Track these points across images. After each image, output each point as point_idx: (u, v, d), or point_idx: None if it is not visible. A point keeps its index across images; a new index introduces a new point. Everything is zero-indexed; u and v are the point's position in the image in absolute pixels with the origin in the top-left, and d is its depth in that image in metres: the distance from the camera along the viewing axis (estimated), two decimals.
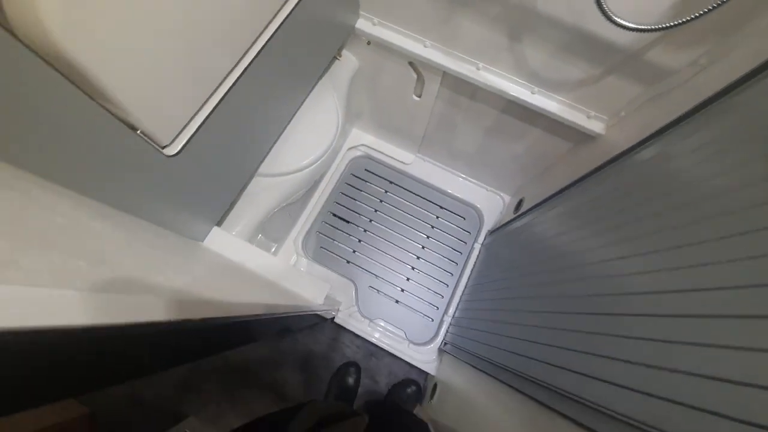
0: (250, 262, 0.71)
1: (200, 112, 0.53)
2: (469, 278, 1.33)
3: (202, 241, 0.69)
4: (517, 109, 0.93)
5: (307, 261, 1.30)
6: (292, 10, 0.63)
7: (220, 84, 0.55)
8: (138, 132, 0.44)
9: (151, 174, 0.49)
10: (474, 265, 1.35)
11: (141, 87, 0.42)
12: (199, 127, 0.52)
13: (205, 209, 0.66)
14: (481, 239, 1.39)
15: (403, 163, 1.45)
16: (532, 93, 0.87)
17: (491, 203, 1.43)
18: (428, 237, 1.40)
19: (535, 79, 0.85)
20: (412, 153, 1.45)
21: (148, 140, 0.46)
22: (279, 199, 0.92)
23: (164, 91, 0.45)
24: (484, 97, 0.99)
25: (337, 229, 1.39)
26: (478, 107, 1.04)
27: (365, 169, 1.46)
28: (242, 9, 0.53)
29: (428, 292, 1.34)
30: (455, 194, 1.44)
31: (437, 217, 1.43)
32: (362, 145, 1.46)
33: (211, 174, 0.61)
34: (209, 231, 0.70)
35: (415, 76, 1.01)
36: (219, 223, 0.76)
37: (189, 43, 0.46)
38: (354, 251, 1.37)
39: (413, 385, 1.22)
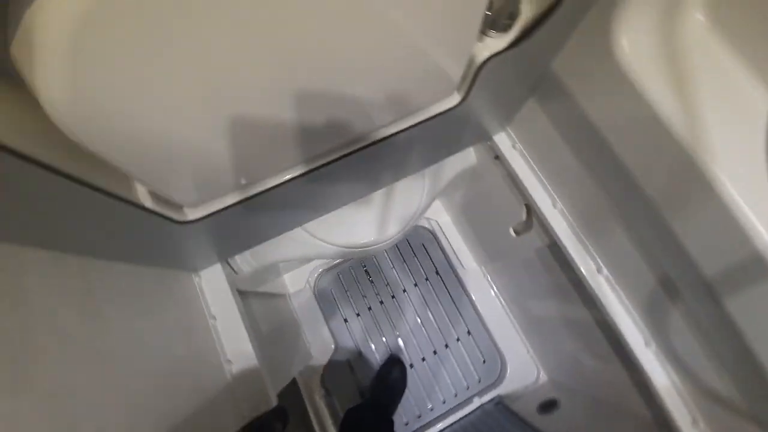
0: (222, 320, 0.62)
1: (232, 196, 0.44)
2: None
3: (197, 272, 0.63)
4: (613, 335, 0.70)
5: (310, 295, 1.22)
6: (427, 120, 0.50)
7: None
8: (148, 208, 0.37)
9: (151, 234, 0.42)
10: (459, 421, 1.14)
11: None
12: (229, 207, 0.44)
13: (211, 254, 0.59)
14: (485, 398, 1.16)
15: (462, 266, 1.27)
16: (646, 345, 0.64)
17: (523, 369, 1.18)
18: (435, 353, 1.22)
19: (659, 333, 0.62)
20: (478, 264, 1.25)
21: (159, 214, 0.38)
22: (308, 256, 0.83)
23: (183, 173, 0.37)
24: (581, 296, 0.77)
25: (358, 282, 1.27)
26: (571, 296, 0.82)
27: (422, 244, 1.31)
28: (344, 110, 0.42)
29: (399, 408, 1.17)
30: (492, 331, 1.22)
31: (457, 339, 1.23)
32: (435, 220, 1.31)
33: (226, 235, 0.53)
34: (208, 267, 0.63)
35: (524, 218, 0.83)
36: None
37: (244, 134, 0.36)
38: (357, 314, 1.24)
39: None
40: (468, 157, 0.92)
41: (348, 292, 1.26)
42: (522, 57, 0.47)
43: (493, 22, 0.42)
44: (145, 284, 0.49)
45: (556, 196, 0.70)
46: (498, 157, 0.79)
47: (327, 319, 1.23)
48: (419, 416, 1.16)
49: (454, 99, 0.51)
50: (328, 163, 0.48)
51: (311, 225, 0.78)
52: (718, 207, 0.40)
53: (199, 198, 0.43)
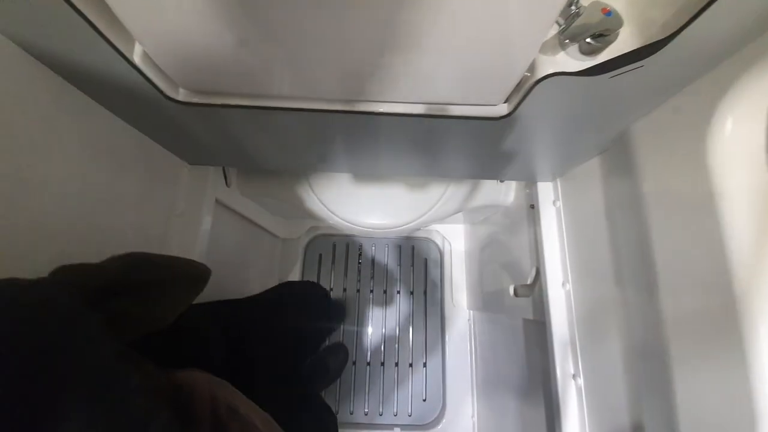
0: None
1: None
2: None
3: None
4: None
5: (298, 248, 1.21)
6: (462, 117, 0.44)
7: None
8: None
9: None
10: None
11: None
12: (226, 106, 0.41)
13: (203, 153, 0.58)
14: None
15: (453, 300, 1.18)
16: None
17: (458, 430, 1.08)
18: (382, 364, 1.16)
19: None
20: (468, 306, 1.15)
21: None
22: (303, 208, 0.81)
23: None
24: (545, 392, 0.66)
25: (347, 261, 1.24)
26: (536, 386, 0.71)
27: (425, 258, 1.24)
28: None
29: None
30: (448, 376, 1.13)
31: (410, 365, 1.15)
32: (450, 242, 1.23)
33: (220, 138, 0.52)
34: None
35: (530, 281, 0.72)
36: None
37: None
38: (331, 289, 1.22)
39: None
40: (506, 193, 0.83)
41: (334, 265, 1.23)
42: (596, 93, 0.38)
43: (575, 36, 0.34)
44: (129, 144, 0.50)
45: (570, 277, 0.60)
46: (533, 206, 0.70)
47: (303, 275, 1.22)
48: (337, 412, 1.11)
49: (500, 109, 0.44)
50: (346, 112, 0.44)
51: (317, 183, 0.75)
52: (739, 380, 0.29)
53: (197, 83, 0.42)
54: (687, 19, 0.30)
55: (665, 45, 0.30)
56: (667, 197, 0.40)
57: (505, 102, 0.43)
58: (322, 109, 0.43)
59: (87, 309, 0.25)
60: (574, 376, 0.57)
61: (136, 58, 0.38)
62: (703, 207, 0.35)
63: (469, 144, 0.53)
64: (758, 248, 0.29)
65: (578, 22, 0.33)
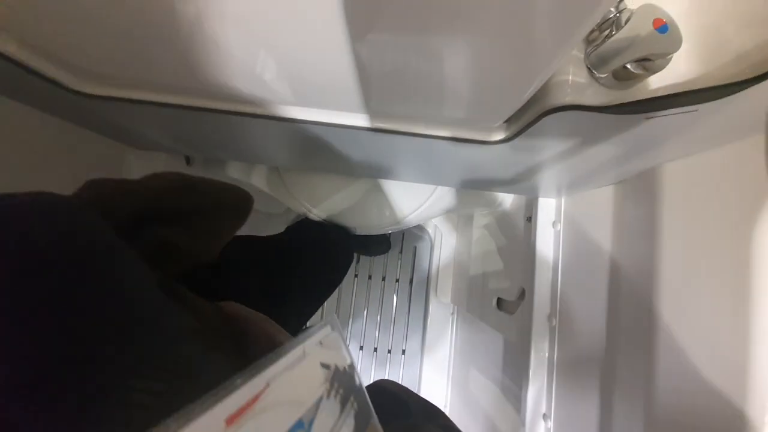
0: None
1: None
2: None
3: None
4: None
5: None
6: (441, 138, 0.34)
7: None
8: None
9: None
10: None
11: None
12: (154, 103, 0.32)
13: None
14: None
15: (437, 293, 1.14)
16: None
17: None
18: (361, 348, 1.15)
19: None
20: (453, 301, 1.11)
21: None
22: (274, 196, 0.72)
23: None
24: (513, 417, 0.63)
25: None
26: (507, 409, 0.68)
27: (415, 246, 1.18)
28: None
29: None
30: (424, 367, 1.13)
31: (389, 351, 1.15)
32: (442, 233, 1.15)
33: (156, 130, 0.43)
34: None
35: (513, 298, 0.67)
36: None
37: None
38: None
39: None
40: (503, 197, 0.74)
41: None
42: (624, 132, 0.28)
43: (609, 57, 0.24)
44: (50, 136, 0.41)
45: (558, 313, 0.53)
46: (530, 219, 0.61)
47: None
48: None
49: (495, 133, 0.34)
50: (307, 123, 0.34)
51: (290, 177, 0.66)
52: None
53: (99, 71, 0.32)
54: None
55: (740, 90, 0.21)
56: (689, 257, 0.32)
57: (505, 122, 0.34)
58: (257, 113, 0.34)
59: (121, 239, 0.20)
60: (544, 416, 0.53)
61: (9, 48, 0.28)
62: (734, 292, 0.27)
63: (460, 162, 0.44)
64: None
65: (618, 35, 0.23)
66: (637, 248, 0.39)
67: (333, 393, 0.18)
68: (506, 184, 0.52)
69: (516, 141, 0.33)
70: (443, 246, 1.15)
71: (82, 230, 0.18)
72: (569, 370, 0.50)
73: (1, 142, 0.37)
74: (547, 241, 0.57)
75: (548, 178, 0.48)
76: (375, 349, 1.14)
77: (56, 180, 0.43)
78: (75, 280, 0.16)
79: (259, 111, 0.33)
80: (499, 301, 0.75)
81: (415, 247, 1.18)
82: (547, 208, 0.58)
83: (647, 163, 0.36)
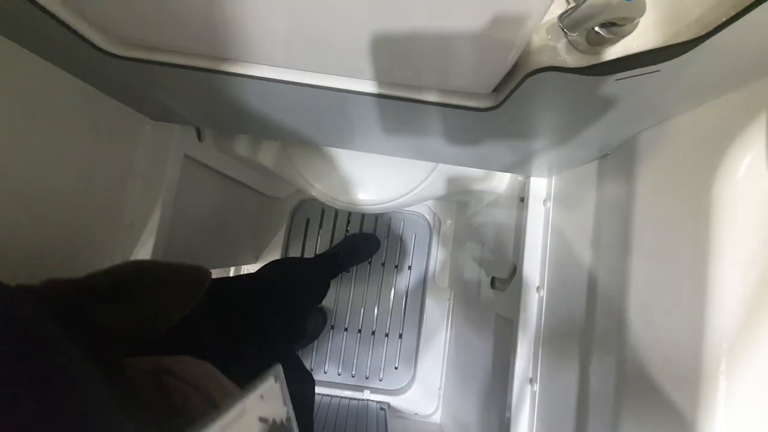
0: None
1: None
2: None
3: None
4: None
5: (285, 210, 1.18)
6: (444, 105, 0.37)
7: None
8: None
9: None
10: None
11: None
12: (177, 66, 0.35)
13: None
14: (375, 397, 1.14)
15: (435, 278, 1.17)
16: None
17: (425, 398, 1.13)
18: (359, 331, 1.18)
19: None
20: (450, 286, 1.14)
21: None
22: (281, 175, 0.76)
23: None
24: (503, 388, 0.66)
25: (335, 228, 1.21)
26: (497, 380, 0.71)
27: (414, 233, 1.21)
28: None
29: None
30: (421, 349, 1.16)
31: (386, 335, 1.18)
32: (440, 218, 1.19)
33: (176, 97, 0.46)
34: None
35: (506, 276, 0.70)
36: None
37: None
38: (315, 254, 1.21)
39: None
40: (499, 180, 0.77)
41: (321, 230, 1.21)
42: (598, 94, 0.31)
43: (583, 21, 0.27)
44: (72, 98, 0.44)
45: (546, 284, 0.56)
46: (523, 200, 0.64)
47: (288, 238, 1.20)
48: (311, 370, 1.16)
49: (488, 100, 0.37)
50: (311, 87, 0.38)
51: (296, 152, 0.70)
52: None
53: (134, 34, 0.35)
54: (731, 14, 0.23)
55: (693, 47, 0.24)
56: (660, 228, 0.35)
57: (494, 91, 0.37)
58: (282, 79, 0.37)
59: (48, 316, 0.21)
60: (531, 381, 0.56)
61: (51, 4, 0.31)
62: (696, 257, 0.30)
63: (455, 132, 0.47)
64: (743, 323, 0.25)
65: (590, 2, 0.26)
66: (614, 219, 0.42)
67: None
68: (500, 160, 0.55)
69: (504, 107, 0.36)
70: (441, 233, 1.18)
71: (17, 324, 0.19)
72: (554, 336, 0.53)
73: (27, 99, 0.40)
74: (538, 218, 0.60)
75: (538, 154, 0.51)
76: (372, 333, 1.18)
77: (76, 142, 0.46)
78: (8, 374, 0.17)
79: (272, 75, 0.37)
80: (493, 281, 0.78)
81: (414, 235, 1.21)
82: (539, 187, 0.61)
83: (624, 132, 0.39)
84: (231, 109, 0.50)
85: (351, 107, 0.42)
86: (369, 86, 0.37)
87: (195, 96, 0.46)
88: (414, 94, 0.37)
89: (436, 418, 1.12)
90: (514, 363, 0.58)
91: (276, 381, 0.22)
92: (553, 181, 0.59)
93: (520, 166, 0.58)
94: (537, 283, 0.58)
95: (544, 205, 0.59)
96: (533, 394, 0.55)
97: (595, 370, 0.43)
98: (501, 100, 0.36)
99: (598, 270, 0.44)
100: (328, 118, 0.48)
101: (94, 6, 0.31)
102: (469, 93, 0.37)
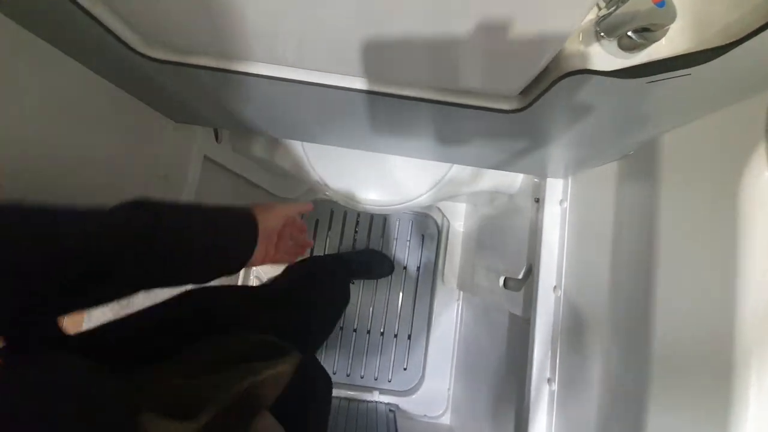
0: None
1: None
2: None
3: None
4: None
5: None
6: (467, 106, 0.38)
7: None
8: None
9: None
10: None
11: None
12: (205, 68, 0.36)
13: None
14: (384, 398, 1.14)
15: (443, 279, 1.18)
16: None
17: (433, 399, 1.13)
18: (368, 332, 1.19)
19: None
20: (459, 286, 1.15)
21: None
22: (297, 175, 0.77)
23: None
24: (518, 389, 0.66)
25: (344, 228, 1.22)
26: (510, 381, 0.71)
27: (422, 234, 1.22)
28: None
29: None
30: (430, 350, 1.16)
31: (395, 335, 1.18)
32: (450, 221, 1.19)
33: (202, 99, 0.47)
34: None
35: (520, 276, 0.70)
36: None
37: None
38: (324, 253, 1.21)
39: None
40: (512, 180, 0.78)
41: (330, 231, 1.22)
42: (628, 97, 0.32)
43: (616, 27, 0.28)
44: (103, 100, 0.45)
45: (563, 283, 0.57)
46: (538, 200, 0.65)
47: None
48: None
49: (514, 102, 0.38)
50: (340, 89, 0.39)
51: (313, 151, 0.70)
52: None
53: (168, 38, 0.36)
54: (757, 26, 0.23)
55: (723, 54, 0.24)
56: (685, 227, 0.36)
57: (520, 93, 0.38)
58: (311, 81, 0.38)
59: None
60: (549, 380, 0.57)
61: (95, 7, 0.32)
62: (723, 252, 0.31)
63: (476, 133, 0.48)
64: None
65: (623, 9, 0.27)
66: (637, 218, 0.43)
67: None
68: (518, 161, 0.56)
69: (531, 109, 0.37)
70: (450, 234, 1.19)
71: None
72: (573, 336, 0.54)
73: (65, 101, 0.41)
74: (554, 218, 0.60)
75: (557, 155, 0.52)
76: (381, 334, 1.18)
77: (106, 143, 0.47)
78: None
79: (297, 77, 0.38)
80: (506, 281, 0.78)
81: (423, 236, 1.22)
82: (555, 188, 0.61)
83: (648, 133, 0.40)
84: (253, 110, 0.51)
85: (375, 109, 0.43)
86: (395, 88, 0.38)
87: (219, 98, 0.47)
88: (441, 96, 0.38)
89: (446, 419, 1.12)
90: (531, 363, 0.58)
91: None
92: (570, 182, 0.59)
93: (538, 167, 0.58)
94: (554, 283, 0.59)
95: (561, 205, 0.60)
96: (551, 393, 0.55)
97: (619, 368, 0.43)
98: (528, 102, 0.37)
99: (620, 269, 0.45)
100: (351, 120, 0.49)
101: (133, 9, 0.32)
102: (495, 95, 0.38)
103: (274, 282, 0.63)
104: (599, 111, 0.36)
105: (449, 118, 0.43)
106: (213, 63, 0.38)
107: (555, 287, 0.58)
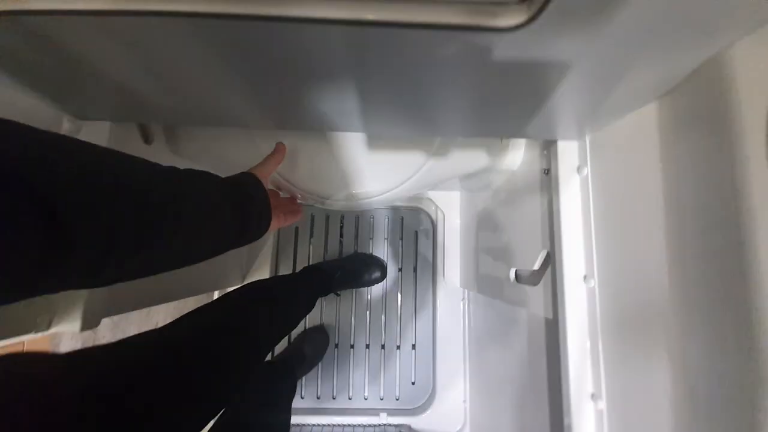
0: None
1: None
2: None
3: None
4: None
5: None
6: (462, 27, 0.25)
7: None
8: None
9: None
10: None
11: None
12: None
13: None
14: (393, 420, 1.01)
15: (444, 277, 1.05)
16: None
17: (450, 413, 1.01)
18: (368, 346, 1.05)
19: None
20: (462, 284, 1.03)
21: None
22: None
23: None
24: (553, 410, 0.54)
25: (327, 233, 1.09)
26: (541, 397, 0.59)
27: (415, 231, 1.09)
28: None
29: None
30: (438, 358, 1.04)
31: (398, 347, 1.05)
32: (443, 212, 1.07)
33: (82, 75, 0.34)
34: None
35: (536, 266, 0.58)
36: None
37: None
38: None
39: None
40: (513, 154, 0.66)
41: (311, 239, 1.09)
42: None
43: None
44: None
45: (596, 271, 0.45)
46: (548, 172, 0.53)
47: (277, 252, 1.08)
48: (318, 397, 1.03)
49: (512, 16, 0.26)
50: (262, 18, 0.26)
51: (266, 140, 0.57)
52: None
53: None
54: None
55: None
56: None
57: (523, 1, 0.25)
58: (221, 13, 0.25)
59: None
60: (593, 397, 0.44)
61: None
62: None
63: (460, 79, 0.35)
64: None
65: None
66: (702, 171, 0.31)
67: None
68: (517, 120, 0.44)
69: (538, 23, 0.24)
70: (446, 227, 1.06)
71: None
72: (618, 338, 0.41)
73: None
74: (573, 191, 0.48)
75: (569, 105, 0.39)
76: (382, 346, 1.05)
77: None
78: None
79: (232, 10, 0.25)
80: (518, 275, 0.66)
81: (416, 232, 1.09)
82: (569, 153, 0.49)
83: (710, 47, 0.28)
84: (162, 88, 0.38)
85: (334, 55, 0.31)
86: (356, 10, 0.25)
87: (119, 67, 0.34)
88: (411, 17, 0.25)
89: None
90: (566, 375, 0.46)
91: None
92: (588, 142, 0.47)
93: (543, 126, 0.46)
94: (583, 272, 0.46)
95: (579, 173, 0.48)
96: (599, 414, 0.43)
97: (705, 372, 0.31)
98: (534, 11, 0.24)
99: (686, 240, 0.33)
100: (291, 84, 0.36)
101: None
102: (485, 11, 0.26)
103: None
104: (631, 20, 0.23)
105: (429, 62, 0.31)
106: (74, 5, 0.25)
107: (585, 277, 0.46)
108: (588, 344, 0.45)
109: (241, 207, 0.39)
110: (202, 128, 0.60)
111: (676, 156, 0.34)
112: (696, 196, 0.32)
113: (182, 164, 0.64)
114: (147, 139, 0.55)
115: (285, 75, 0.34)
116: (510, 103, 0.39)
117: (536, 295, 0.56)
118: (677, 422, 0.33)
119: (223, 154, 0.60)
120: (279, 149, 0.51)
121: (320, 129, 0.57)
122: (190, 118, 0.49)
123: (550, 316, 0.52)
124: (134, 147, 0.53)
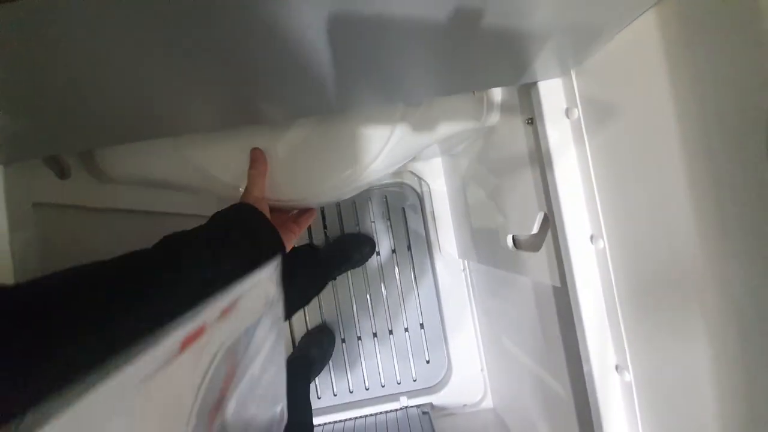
0: None
1: None
2: None
3: None
4: None
5: None
6: None
7: None
8: None
9: None
10: None
11: None
12: None
13: None
14: (414, 401, 0.99)
15: (440, 249, 0.99)
16: None
17: (469, 384, 0.99)
18: (375, 335, 1.01)
19: None
20: (460, 255, 0.97)
21: None
22: (177, 183, 0.55)
23: None
24: (572, 378, 0.49)
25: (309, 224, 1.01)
26: (559, 365, 0.54)
27: (402, 207, 1.02)
28: None
29: None
30: (449, 332, 1.00)
31: (406, 329, 1.02)
32: (427, 183, 0.99)
33: None
34: None
35: (534, 230, 0.51)
36: None
37: None
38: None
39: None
40: (488, 107, 0.57)
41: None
42: None
43: None
44: None
45: (604, 229, 0.38)
46: (532, 121, 0.45)
47: None
48: (335, 395, 1.00)
49: None
50: None
51: (189, 144, 0.48)
52: None
53: None
54: None
55: None
56: None
57: None
58: None
59: None
60: (618, 368, 0.39)
61: None
62: None
63: (409, 20, 0.26)
64: None
65: None
66: (734, 72, 0.23)
67: (267, 312, 0.28)
68: (487, 61, 0.35)
69: None
70: (433, 197, 0.99)
71: None
72: (641, 301, 0.35)
73: None
74: (565, 138, 0.41)
75: (550, 33, 0.31)
76: (390, 332, 1.01)
77: None
78: None
79: None
80: (516, 240, 0.60)
81: (403, 209, 1.02)
82: (553, 93, 0.41)
83: None
84: (93, 93, 0.29)
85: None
86: None
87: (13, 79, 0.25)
88: None
89: (488, 403, 0.98)
90: (585, 347, 0.41)
91: (276, 269, 0.29)
92: (574, 78, 0.39)
93: (517, 65, 0.38)
94: (590, 231, 0.40)
95: (569, 116, 0.40)
96: (626, 386, 0.38)
97: (745, 332, 0.25)
98: None
99: (720, 167, 0.26)
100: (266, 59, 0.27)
101: None
102: None
103: None
104: None
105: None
106: None
107: (592, 237, 0.40)
108: (605, 312, 0.40)
109: (249, 255, 0.36)
110: (125, 145, 0.51)
111: (693, 63, 0.26)
112: (726, 107, 0.24)
113: (112, 191, 0.56)
114: (63, 173, 0.46)
115: (234, 56, 0.26)
116: (470, 40, 0.30)
117: (539, 262, 0.50)
118: (720, 394, 0.28)
119: (150, 171, 0.51)
120: (256, 157, 0.45)
121: (282, 117, 0.48)
122: (113, 135, 0.40)
123: (558, 284, 0.46)
124: (46, 187, 0.44)
